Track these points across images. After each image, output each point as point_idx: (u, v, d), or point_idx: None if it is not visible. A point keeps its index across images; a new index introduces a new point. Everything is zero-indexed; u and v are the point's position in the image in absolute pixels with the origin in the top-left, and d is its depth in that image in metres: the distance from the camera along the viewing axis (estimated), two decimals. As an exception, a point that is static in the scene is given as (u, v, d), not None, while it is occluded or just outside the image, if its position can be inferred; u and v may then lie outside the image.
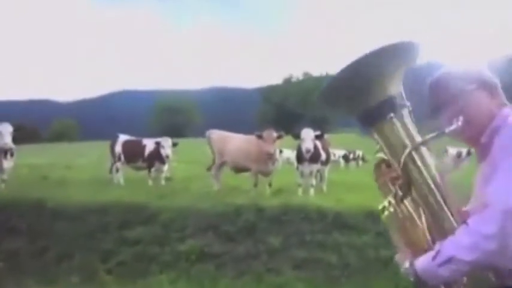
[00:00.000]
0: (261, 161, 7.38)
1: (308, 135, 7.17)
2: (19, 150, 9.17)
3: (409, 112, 1.41)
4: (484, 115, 1.48)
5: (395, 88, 1.39)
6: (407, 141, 1.37)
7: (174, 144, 9.36)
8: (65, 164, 16.47)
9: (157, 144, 9.25)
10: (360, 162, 19.61)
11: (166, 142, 9.17)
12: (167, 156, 9.13)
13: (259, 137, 7.25)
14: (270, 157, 7.28)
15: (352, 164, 19.24)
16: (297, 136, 7.32)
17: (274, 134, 7.19)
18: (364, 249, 5.17)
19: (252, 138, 7.62)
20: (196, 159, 17.75)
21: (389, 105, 1.36)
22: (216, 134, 8.59)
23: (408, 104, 1.41)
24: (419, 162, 1.37)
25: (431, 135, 1.37)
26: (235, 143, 7.98)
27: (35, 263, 5.75)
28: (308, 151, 7.12)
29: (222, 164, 8.28)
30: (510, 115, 1.45)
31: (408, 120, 1.40)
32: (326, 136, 8.17)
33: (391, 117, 1.36)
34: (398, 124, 1.37)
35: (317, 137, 7.32)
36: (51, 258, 5.79)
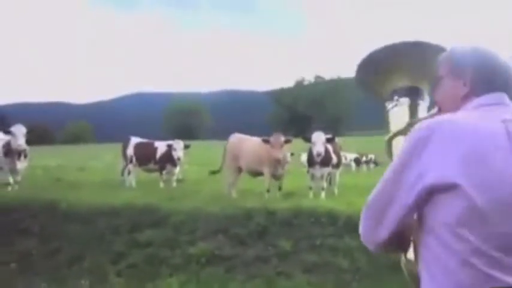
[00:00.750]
0: (272, 165, 7.35)
1: (319, 138, 7.13)
2: (33, 151, 9.29)
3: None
4: (448, 105, 1.42)
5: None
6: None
7: (186, 147, 9.40)
8: (78, 166, 16.65)
9: (169, 146, 9.28)
10: (372, 166, 19.45)
11: (178, 145, 9.21)
12: (179, 159, 9.15)
13: (266, 141, 7.20)
14: (279, 162, 7.23)
15: (364, 167, 19.10)
16: (308, 139, 7.28)
17: (282, 139, 7.14)
18: (375, 253, 5.11)
19: (258, 141, 7.58)
20: (208, 162, 17.79)
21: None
22: (234, 137, 8.36)
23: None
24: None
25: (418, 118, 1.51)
26: (249, 146, 7.89)
27: (46, 264, 5.79)
28: (319, 155, 7.08)
29: (237, 170, 8.08)
30: (468, 109, 1.36)
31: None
32: (337, 139, 8.13)
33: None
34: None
35: (328, 141, 7.28)
36: (63, 260, 5.82)
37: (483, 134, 1.24)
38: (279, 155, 7.07)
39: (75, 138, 57.75)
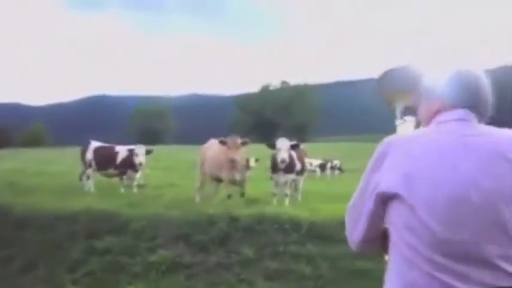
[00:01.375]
0: (227, 169, 7.22)
1: (284, 144, 7.11)
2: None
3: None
4: (426, 121, 1.57)
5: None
6: None
7: (148, 152, 9.19)
8: (35, 170, 16.01)
9: (131, 151, 9.06)
10: (336, 172, 19.70)
11: (140, 150, 9.00)
12: (140, 164, 8.95)
13: (223, 142, 7.11)
14: (234, 164, 7.10)
15: (328, 173, 19.31)
16: (272, 146, 7.26)
17: (238, 140, 7.07)
18: (338, 260, 5.13)
19: (220, 146, 7.49)
20: (171, 166, 17.54)
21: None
22: (208, 143, 8.25)
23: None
24: None
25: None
26: (211, 151, 7.81)
27: (-2, 273, 5.51)
28: (283, 161, 7.06)
29: (203, 175, 8.01)
30: (432, 125, 1.49)
31: None
32: (302, 146, 8.15)
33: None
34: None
35: (293, 147, 7.28)
36: (15, 269, 5.55)
37: (432, 149, 1.37)
38: (235, 156, 6.98)
39: (31, 142, 55.66)
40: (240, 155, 7.13)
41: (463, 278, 1.29)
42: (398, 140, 1.47)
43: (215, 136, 8.22)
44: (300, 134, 53.49)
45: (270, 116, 66.13)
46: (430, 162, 1.35)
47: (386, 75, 1.89)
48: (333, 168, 19.74)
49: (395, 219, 1.41)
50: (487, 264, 1.29)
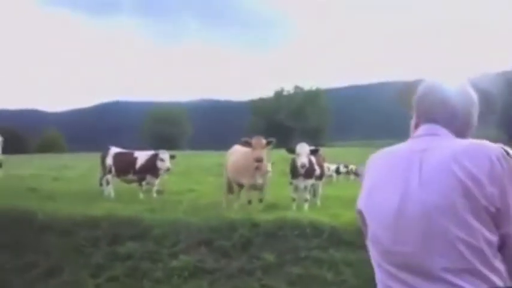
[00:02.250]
0: (249, 173, 7.12)
1: (303, 150, 7.10)
2: (6, 160, 9.00)
3: None
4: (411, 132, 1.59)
5: None
6: None
7: (172, 157, 9.26)
8: (53, 175, 16.22)
9: (154, 156, 9.12)
10: (352, 176, 19.58)
11: (165, 155, 9.06)
12: (168, 170, 9.03)
13: (247, 143, 7.04)
14: (260, 162, 6.93)
15: (341, 177, 19.21)
16: (292, 151, 7.24)
17: (263, 140, 6.99)
18: (360, 266, 5.08)
19: (242, 151, 7.46)
20: (187, 172, 17.62)
21: None
22: (231, 149, 8.23)
23: None
24: None
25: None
26: (233, 157, 7.80)
27: (21, 279, 5.57)
28: (303, 166, 7.04)
29: (229, 181, 8.01)
30: (413, 137, 1.51)
31: None
32: (321, 150, 8.13)
33: None
34: None
35: (312, 152, 7.25)
36: (39, 274, 5.62)
37: (390, 164, 1.43)
38: (261, 154, 6.86)
39: (49, 147, 56.45)
40: (265, 154, 7.03)
41: None
42: (376, 155, 1.53)
43: (231, 141, 8.21)
44: (314, 138, 53.29)
45: (283, 120, 66.05)
46: (385, 175, 1.42)
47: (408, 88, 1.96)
48: (348, 172, 19.63)
49: (366, 230, 1.49)
50: (433, 277, 1.28)
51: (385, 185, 1.40)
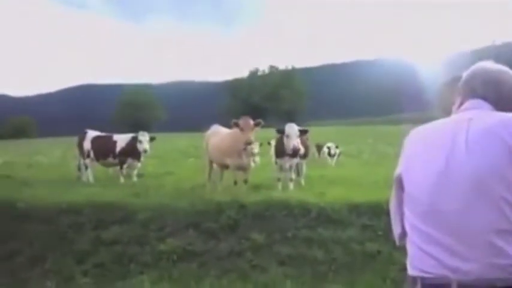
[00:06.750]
0: (235, 154, 7.01)
1: (293, 131, 6.98)
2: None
3: None
4: (454, 109, 1.69)
5: None
6: None
7: (152, 139, 9.08)
8: (27, 162, 15.80)
9: (134, 139, 8.92)
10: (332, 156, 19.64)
11: (144, 137, 8.86)
12: (145, 151, 8.84)
13: (236, 125, 6.93)
14: (250, 144, 6.86)
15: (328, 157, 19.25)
16: (281, 131, 7.11)
17: (251, 122, 6.92)
18: (349, 243, 5.14)
19: (226, 131, 7.35)
20: (163, 155, 17.39)
21: None
22: (210, 130, 8.08)
23: None
24: None
25: None
26: (215, 137, 7.66)
27: (4, 267, 5.40)
28: (294, 148, 6.92)
29: (210, 163, 7.89)
30: (457, 112, 1.61)
31: None
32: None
33: None
34: None
35: (301, 133, 7.17)
36: (23, 262, 5.46)
37: (437, 134, 1.52)
38: (250, 137, 6.74)
39: (19, 133, 54.83)
40: (253, 136, 6.90)
41: (452, 252, 1.34)
42: (415, 130, 1.64)
43: (206, 123, 8.05)
44: (289, 118, 53.40)
45: (258, 101, 65.91)
46: (429, 143, 1.51)
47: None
48: (331, 154, 19.67)
49: (403, 195, 1.58)
50: (474, 237, 1.31)
51: (429, 151, 1.50)
